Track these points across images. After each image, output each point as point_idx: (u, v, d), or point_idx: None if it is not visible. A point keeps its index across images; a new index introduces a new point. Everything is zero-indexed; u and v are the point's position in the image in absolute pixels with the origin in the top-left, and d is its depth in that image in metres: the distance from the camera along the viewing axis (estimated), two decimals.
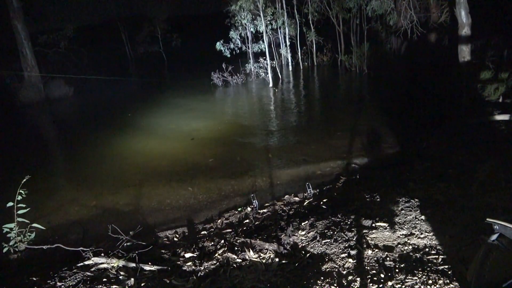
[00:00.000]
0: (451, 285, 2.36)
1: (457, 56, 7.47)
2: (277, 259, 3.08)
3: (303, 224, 3.67)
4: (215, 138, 8.24)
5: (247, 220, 4.30)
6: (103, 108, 13.35)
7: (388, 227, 3.25)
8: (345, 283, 2.57)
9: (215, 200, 5.21)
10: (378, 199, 3.98)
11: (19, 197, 3.66)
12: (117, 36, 30.92)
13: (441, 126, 6.81)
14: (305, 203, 4.51)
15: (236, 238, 3.67)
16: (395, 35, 14.50)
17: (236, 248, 3.39)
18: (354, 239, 3.14)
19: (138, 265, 3.18)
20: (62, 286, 2.94)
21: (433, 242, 2.92)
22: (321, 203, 4.34)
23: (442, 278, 2.43)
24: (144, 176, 6.31)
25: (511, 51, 8.36)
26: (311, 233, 3.43)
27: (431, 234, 3.04)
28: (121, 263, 3.22)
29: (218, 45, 14.83)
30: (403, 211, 3.53)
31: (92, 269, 3.19)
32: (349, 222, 3.47)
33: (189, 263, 3.25)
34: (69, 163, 7.96)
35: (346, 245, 3.07)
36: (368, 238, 3.12)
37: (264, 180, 5.69)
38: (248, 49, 15.99)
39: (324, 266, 2.82)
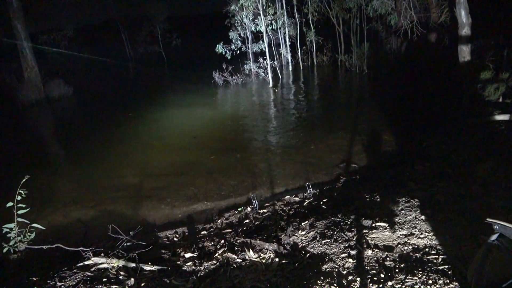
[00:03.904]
0: (451, 285, 2.36)
1: (457, 56, 7.47)
2: (277, 259, 3.08)
3: (303, 224, 3.67)
4: (216, 136, 8.26)
5: (247, 220, 4.30)
6: (103, 108, 13.35)
7: (388, 227, 3.25)
8: (345, 283, 2.57)
9: (215, 200, 5.21)
10: (378, 199, 3.98)
11: (19, 197, 3.66)
12: (117, 36, 30.93)
13: (441, 126, 6.81)
14: (305, 203, 4.50)
15: (236, 238, 3.66)
16: (395, 35, 14.49)
17: (236, 248, 3.39)
18: (354, 239, 3.14)
19: (138, 265, 3.18)
20: (62, 286, 2.94)
21: (433, 242, 2.92)
22: (321, 203, 4.34)
23: (442, 278, 2.43)
24: (145, 175, 6.31)
25: (511, 51, 8.35)
26: (311, 233, 3.43)
27: (431, 234, 3.04)
28: (121, 263, 3.21)
29: (220, 48, 14.79)
30: (403, 211, 3.53)
31: (92, 269, 3.19)
32: (349, 222, 3.47)
33: (189, 263, 3.25)
34: (69, 163, 7.96)
35: (346, 245, 3.07)
36: (368, 238, 3.12)
37: (264, 180, 5.68)
38: (248, 49, 15.99)
39: (324, 266, 2.82)
